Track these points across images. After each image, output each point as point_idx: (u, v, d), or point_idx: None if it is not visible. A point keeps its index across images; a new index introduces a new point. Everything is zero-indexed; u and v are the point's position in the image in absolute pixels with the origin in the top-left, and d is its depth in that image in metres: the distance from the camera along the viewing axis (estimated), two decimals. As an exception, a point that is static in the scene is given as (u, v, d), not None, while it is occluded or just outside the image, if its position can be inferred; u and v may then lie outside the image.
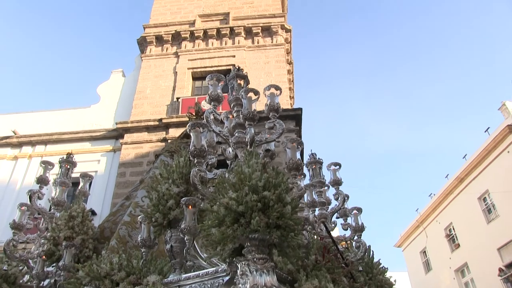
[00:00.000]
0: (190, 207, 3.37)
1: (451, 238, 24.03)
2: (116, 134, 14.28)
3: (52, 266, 4.86)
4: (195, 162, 3.56)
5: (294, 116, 13.29)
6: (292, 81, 19.10)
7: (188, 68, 15.68)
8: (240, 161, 3.24)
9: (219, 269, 3.00)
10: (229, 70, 16.28)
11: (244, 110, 3.84)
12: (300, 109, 13.40)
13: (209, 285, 3.04)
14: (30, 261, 4.98)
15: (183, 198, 3.48)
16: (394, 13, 66.33)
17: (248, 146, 3.72)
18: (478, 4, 59.91)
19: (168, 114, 14.43)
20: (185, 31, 16.48)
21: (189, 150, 3.61)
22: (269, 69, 15.22)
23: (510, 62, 54.70)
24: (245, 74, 4.34)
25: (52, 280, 4.63)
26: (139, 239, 3.80)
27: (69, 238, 4.91)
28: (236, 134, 3.89)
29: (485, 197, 21.05)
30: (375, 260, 4.44)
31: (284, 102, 13.56)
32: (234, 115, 4.03)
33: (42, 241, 5.07)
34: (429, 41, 63.28)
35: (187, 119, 13.67)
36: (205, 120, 3.88)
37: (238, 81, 4.21)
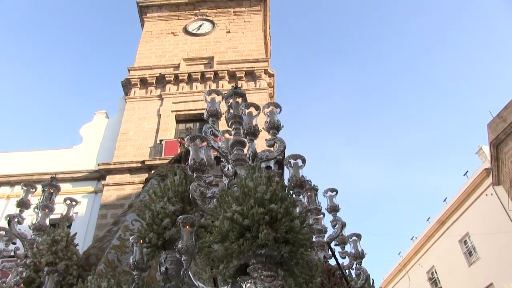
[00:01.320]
0: (187, 226, 3.17)
1: (434, 282, 23.95)
2: (98, 176, 14.13)
3: None
4: (194, 176, 3.41)
5: (277, 160, 13.39)
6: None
7: (172, 111, 15.78)
8: (242, 175, 3.06)
9: None
10: (213, 113, 16.30)
11: (245, 125, 3.75)
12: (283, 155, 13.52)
13: None
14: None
15: (179, 217, 3.27)
16: (375, 61, 68.47)
17: (250, 161, 3.59)
18: (454, 56, 62.32)
19: (151, 156, 14.37)
20: (169, 74, 16.67)
21: (188, 164, 3.45)
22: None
23: (486, 107, 56.38)
24: (243, 92, 4.21)
25: None
26: (130, 261, 3.56)
27: (51, 264, 4.54)
28: (235, 151, 3.76)
29: (466, 240, 21.22)
30: None
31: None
32: (233, 132, 3.92)
33: (20, 269, 4.76)
34: (409, 89, 65.18)
35: (170, 161, 13.80)
36: (203, 135, 3.72)
37: (236, 99, 4.09)
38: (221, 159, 3.80)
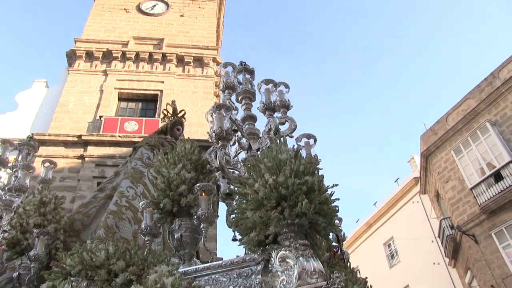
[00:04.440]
0: (204, 194, 3.18)
1: (357, 280, 24.98)
2: (30, 146, 13.68)
3: (13, 259, 4.25)
4: (219, 145, 3.39)
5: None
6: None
7: (115, 88, 15.47)
8: (270, 147, 3.02)
9: (246, 258, 2.77)
10: (156, 95, 16.18)
11: (266, 101, 3.84)
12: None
13: (235, 275, 2.77)
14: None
15: (197, 184, 3.27)
16: (325, 60, 69.71)
17: (273, 135, 3.61)
18: (390, 66, 64.66)
19: (88, 131, 14.07)
20: (117, 50, 16.33)
21: (213, 131, 3.44)
22: (196, 99, 15.43)
23: (422, 118, 58.87)
24: (253, 69, 4.23)
25: (15, 274, 4.01)
26: (142, 226, 3.48)
27: (39, 226, 4.30)
28: (247, 126, 3.82)
29: (390, 243, 22.29)
30: None
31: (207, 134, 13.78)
32: (243, 107, 3.97)
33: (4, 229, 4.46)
34: (353, 90, 67.05)
35: (107, 139, 13.58)
36: (221, 107, 3.66)
37: (246, 75, 4.14)
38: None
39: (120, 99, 15.54)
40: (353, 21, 66.59)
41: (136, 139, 12.27)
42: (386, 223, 22.40)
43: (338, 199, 2.68)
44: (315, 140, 3.79)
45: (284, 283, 2.38)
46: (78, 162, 13.48)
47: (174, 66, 16.37)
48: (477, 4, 54.22)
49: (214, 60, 16.83)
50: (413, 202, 20.66)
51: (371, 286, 3.82)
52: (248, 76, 4.12)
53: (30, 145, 5.48)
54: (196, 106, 15.02)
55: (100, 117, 14.43)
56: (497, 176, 14.77)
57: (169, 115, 6.56)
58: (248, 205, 2.64)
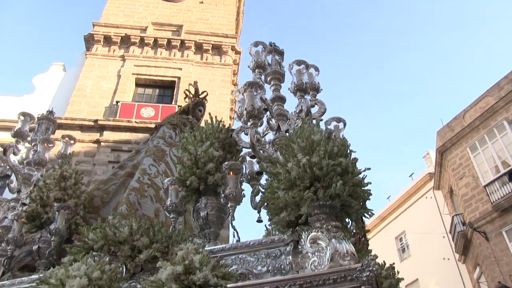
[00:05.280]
0: (232, 173, 3.13)
1: (367, 274, 25.03)
2: (47, 128, 13.82)
3: (32, 232, 4.22)
4: (250, 123, 3.34)
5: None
6: (235, 102, 19.40)
7: (133, 74, 15.56)
8: (302, 127, 2.96)
9: (275, 239, 2.75)
10: (174, 82, 16.14)
11: (298, 81, 3.82)
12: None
13: (263, 255, 2.74)
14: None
15: (225, 163, 3.21)
16: (344, 56, 69.15)
17: (304, 115, 3.59)
18: (404, 58, 63.94)
19: (105, 116, 14.18)
20: (135, 36, 16.39)
21: (244, 109, 3.39)
22: (214, 87, 15.43)
23: (439, 114, 58.41)
24: (283, 50, 4.18)
25: (35, 247, 3.97)
26: (168, 203, 3.42)
27: (59, 200, 4.25)
28: (276, 107, 3.78)
29: (402, 237, 22.23)
30: None
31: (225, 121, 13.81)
32: (272, 88, 3.96)
33: (13, 203, 4.41)
34: (371, 86, 66.62)
35: (124, 124, 13.65)
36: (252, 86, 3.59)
37: (275, 56, 4.11)
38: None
39: (137, 84, 15.63)
40: (376, 12, 65.94)
41: (152, 125, 12.31)
42: (399, 217, 22.32)
43: (370, 183, 2.65)
44: (344, 124, 3.75)
45: (316, 264, 2.37)
46: (94, 146, 13.61)
47: (193, 53, 16.38)
48: (502, 1, 53.27)
49: (233, 48, 16.80)
50: (426, 198, 20.56)
51: (398, 272, 3.75)
52: (277, 57, 4.09)
53: (50, 119, 5.40)
54: (213, 94, 15.03)
55: (117, 102, 14.53)
56: (511, 175, 14.65)
57: (191, 95, 6.48)
58: (280, 185, 2.59)
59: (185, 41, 16.47)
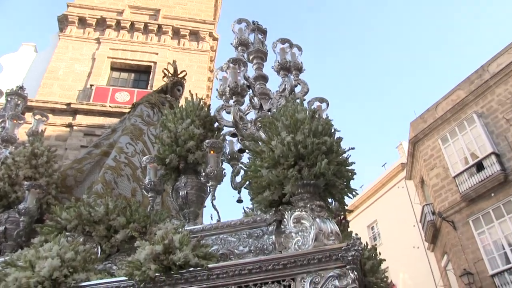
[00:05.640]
0: (212, 151, 3.03)
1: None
2: (17, 111, 13.44)
3: None
4: (233, 100, 3.27)
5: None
6: (211, 88, 19.30)
7: (108, 57, 15.25)
8: (286, 106, 2.89)
9: (257, 219, 2.71)
10: (150, 66, 15.86)
11: (282, 60, 3.74)
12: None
13: (245, 235, 2.69)
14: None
15: (206, 141, 3.11)
16: (324, 46, 69.39)
17: (288, 94, 3.51)
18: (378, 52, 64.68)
19: (78, 99, 13.90)
20: (111, 18, 16.03)
21: (227, 86, 3.31)
22: (190, 73, 15.12)
23: (413, 106, 59.28)
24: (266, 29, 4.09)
25: (1, 228, 3.78)
26: (146, 181, 3.31)
27: (30, 179, 4.05)
28: (258, 86, 3.71)
29: (373, 226, 22.64)
30: None
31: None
32: (255, 67, 3.87)
33: None
34: (346, 73, 67.06)
35: (98, 108, 13.38)
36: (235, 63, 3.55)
37: (258, 35, 4.03)
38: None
39: (113, 68, 15.33)
40: (350, 8, 66.24)
41: (127, 110, 12.11)
42: (371, 206, 22.72)
43: (354, 162, 2.63)
44: (327, 105, 3.70)
45: (300, 244, 2.36)
46: (66, 130, 13.35)
47: (170, 38, 16.17)
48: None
49: (211, 35, 16.64)
50: (398, 187, 20.96)
51: (379, 253, 3.77)
52: (260, 36, 4.03)
53: (20, 94, 5.16)
54: (189, 80, 14.74)
55: (91, 85, 14.24)
56: (479, 166, 15.12)
57: (170, 74, 6.37)
58: (264, 163, 2.55)
59: (162, 26, 16.23)
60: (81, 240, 2.91)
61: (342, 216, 3.46)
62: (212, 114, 3.57)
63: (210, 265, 2.37)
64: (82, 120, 13.42)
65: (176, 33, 16.33)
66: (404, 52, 63.91)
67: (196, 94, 3.77)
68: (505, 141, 14.68)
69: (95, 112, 13.55)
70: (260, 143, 2.71)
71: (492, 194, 14.47)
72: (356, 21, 65.59)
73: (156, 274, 2.37)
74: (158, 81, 14.03)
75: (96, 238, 2.96)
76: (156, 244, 2.45)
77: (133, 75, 15.37)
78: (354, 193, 2.66)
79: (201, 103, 3.62)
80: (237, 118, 3.27)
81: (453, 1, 60.41)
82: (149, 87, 14.39)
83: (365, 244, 3.66)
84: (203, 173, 3.07)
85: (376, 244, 21.98)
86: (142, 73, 15.39)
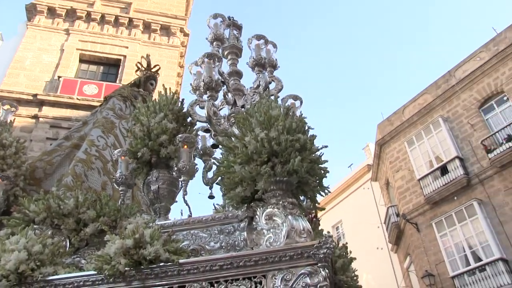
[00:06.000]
0: (186, 146, 3.01)
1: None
2: (-21, 101, 13.04)
3: None
4: (207, 95, 3.25)
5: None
6: (180, 84, 19.17)
7: (77, 49, 14.99)
8: (260, 102, 2.87)
9: (229, 215, 2.69)
10: (119, 60, 15.68)
11: (257, 56, 3.74)
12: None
13: (216, 231, 2.67)
14: None
15: (179, 135, 3.07)
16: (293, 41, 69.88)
17: (262, 91, 3.49)
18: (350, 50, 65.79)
19: (45, 91, 13.60)
20: (81, 9, 15.76)
21: (202, 81, 3.28)
22: (160, 68, 15.11)
23: (380, 108, 60.44)
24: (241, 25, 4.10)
25: None
26: (117, 175, 3.24)
27: None
28: (232, 81, 3.70)
29: (338, 226, 22.96)
30: None
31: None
32: (229, 62, 3.86)
33: None
34: (314, 75, 67.74)
35: (65, 100, 13.12)
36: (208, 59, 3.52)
37: (233, 30, 4.03)
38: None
39: (81, 60, 15.07)
40: (318, 7, 66.94)
41: (95, 103, 11.94)
42: (336, 207, 23.01)
43: (327, 160, 2.66)
44: (301, 102, 3.72)
45: (271, 241, 2.36)
46: (32, 122, 13.06)
47: (140, 32, 16.01)
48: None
49: (182, 30, 16.56)
50: (364, 188, 21.33)
51: (350, 252, 3.84)
52: (235, 32, 4.04)
53: None
54: (159, 75, 14.72)
55: (59, 77, 13.97)
56: (443, 170, 15.54)
57: (143, 68, 6.32)
58: (237, 159, 2.54)
59: (133, 19, 16.06)
60: (49, 233, 2.86)
61: (313, 214, 3.50)
62: (185, 109, 3.56)
63: (181, 261, 2.36)
64: (48, 112, 13.15)
65: (147, 27, 16.18)
66: (372, 54, 65.11)
67: (170, 88, 3.77)
68: (469, 146, 15.11)
69: (62, 104, 13.30)
70: (233, 139, 2.72)
71: (455, 198, 14.89)
72: (325, 22, 66.40)
73: (126, 268, 2.35)
74: (127, 75, 13.88)
75: (65, 231, 2.91)
76: (126, 238, 2.43)
77: (102, 68, 15.14)
78: (326, 191, 2.70)
79: (175, 97, 3.61)
80: (211, 113, 3.27)
81: (423, 5, 61.88)
82: (118, 81, 14.20)
83: (336, 242, 3.74)
84: (175, 168, 3.07)
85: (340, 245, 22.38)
86: (111, 66, 15.18)
